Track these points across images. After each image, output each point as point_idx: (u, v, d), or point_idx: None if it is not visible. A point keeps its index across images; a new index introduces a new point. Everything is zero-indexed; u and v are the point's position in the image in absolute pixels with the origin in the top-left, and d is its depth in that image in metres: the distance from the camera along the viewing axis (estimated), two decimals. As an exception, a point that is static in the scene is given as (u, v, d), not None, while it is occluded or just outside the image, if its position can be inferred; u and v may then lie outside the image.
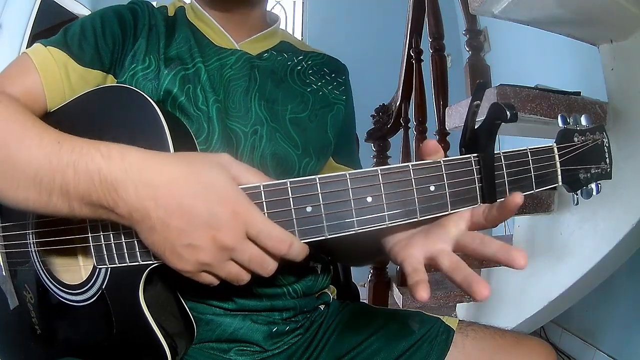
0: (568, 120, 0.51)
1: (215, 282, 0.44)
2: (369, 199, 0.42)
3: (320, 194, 0.42)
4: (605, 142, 0.53)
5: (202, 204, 0.40)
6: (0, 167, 0.45)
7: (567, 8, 1.03)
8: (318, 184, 0.42)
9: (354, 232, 0.42)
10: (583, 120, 0.52)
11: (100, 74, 0.60)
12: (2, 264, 0.59)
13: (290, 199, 0.42)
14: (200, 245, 0.41)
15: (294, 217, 0.42)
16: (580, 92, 1.17)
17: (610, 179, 0.53)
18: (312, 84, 0.71)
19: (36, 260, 0.56)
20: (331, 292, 0.75)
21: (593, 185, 0.52)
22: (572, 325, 1.90)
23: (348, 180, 0.42)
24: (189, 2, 0.72)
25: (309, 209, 0.42)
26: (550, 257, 1.36)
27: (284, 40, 0.75)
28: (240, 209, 0.40)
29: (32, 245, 0.56)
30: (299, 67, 0.72)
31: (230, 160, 0.44)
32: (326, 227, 0.42)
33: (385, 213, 0.42)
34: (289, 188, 0.42)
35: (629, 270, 1.43)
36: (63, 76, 0.57)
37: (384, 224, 0.42)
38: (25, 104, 0.53)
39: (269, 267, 0.43)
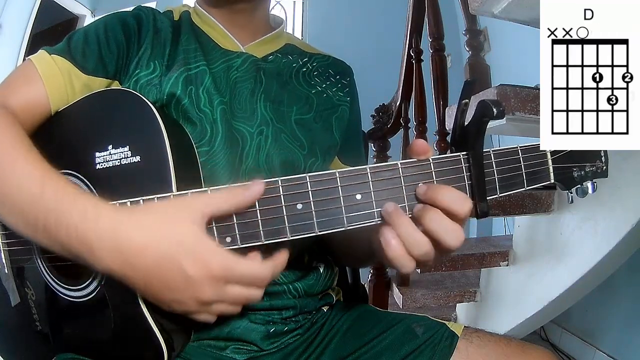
0: None
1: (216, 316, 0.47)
2: (359, 197, 0.43)
3: (310, 192, 0.43)
4: None
5: (176, 269, 0.42)
6: None
7: (566, 7, 1.02)
8: (308, 182, 0.43)
9: (343, 229, 0.43)
10: None
11: (104, 82, 0.60)
12: (4, 261, 0.60)
13: (282, 196, 0.43)
14: (185, 302, 0.44)
15: (284, 214, 0.43)
16: (579, 91, 1.16)
17: (607, 177, 0.52)
18: (316, 85, 0.72)
19: (38, 258, 0.57)
20: (336, 294, 0.74)
21: (588, 184, 0.51)
22: (572, 325, 1.90)
23: (338, 178, 0.43)
24: (193, 6, 0.72)
25: (299, 206, 0.43)
26: (550, 257, 1.36)
27: (289, 42, 0.75)
28: (214, 268, 0.42)
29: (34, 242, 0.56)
30: (304, 69, 0.73)
31: (204, 202, 0.44)
32: (316, 223, 0.43)
33: (375, 210, 0.43)
34: (280, 186, 0.43)
35: (629, 270, 1.43)
36: (67, 85, 0.57)
37: (373, 221, 0.43)
38: (28, 113, 0.55)
39: (256, 298, 0.46)
